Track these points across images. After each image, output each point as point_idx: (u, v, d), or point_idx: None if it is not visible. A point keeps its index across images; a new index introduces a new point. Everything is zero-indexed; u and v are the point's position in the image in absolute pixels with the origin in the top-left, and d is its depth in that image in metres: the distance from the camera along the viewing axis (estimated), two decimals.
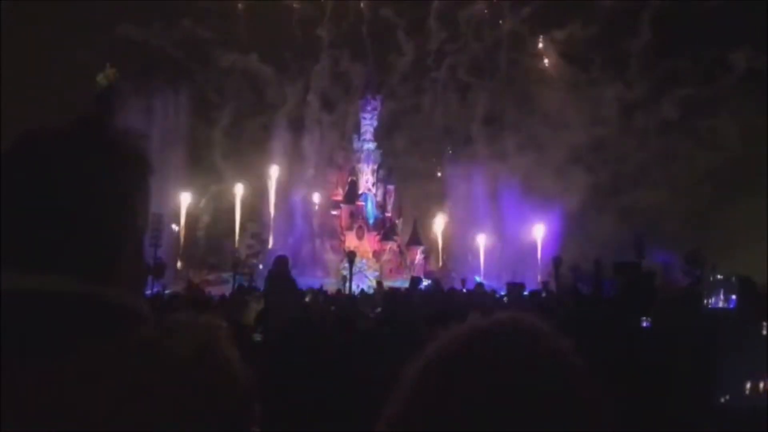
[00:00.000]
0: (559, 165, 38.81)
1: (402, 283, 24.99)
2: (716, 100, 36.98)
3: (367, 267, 38.14)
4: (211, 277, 35.17)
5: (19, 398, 0.77)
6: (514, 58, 42.12)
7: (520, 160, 39.68)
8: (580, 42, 39.57)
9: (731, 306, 12.71)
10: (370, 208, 41.21)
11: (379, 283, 19.10)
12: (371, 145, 42.15)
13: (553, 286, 22.30)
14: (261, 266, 31.48)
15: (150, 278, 19.87)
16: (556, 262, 25.44)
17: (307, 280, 29.69)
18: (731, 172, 34.89)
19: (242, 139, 41.74)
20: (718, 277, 26.24)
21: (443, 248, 42.17)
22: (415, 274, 26.39)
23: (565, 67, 40.15)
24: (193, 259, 38.74)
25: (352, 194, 41.06)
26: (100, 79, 38.79)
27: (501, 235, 40.34)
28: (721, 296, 17.36)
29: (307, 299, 12.59)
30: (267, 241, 39.34)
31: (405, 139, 42.55)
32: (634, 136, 39.20)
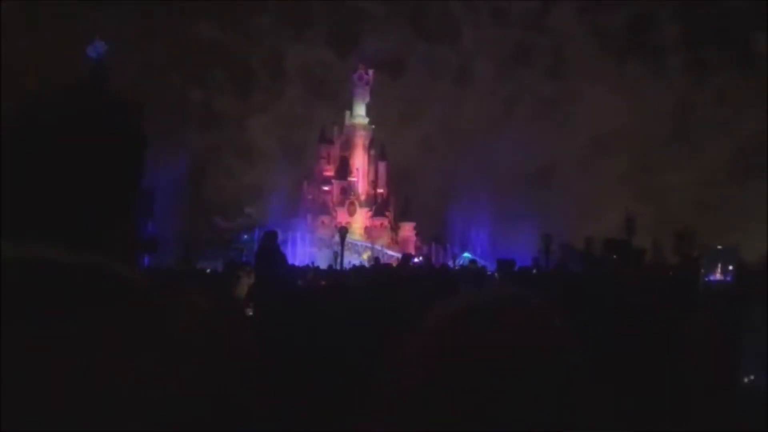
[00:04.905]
0: (577, 149, 38.91)
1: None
2: (742, 88, 37.02)
3: (359, 243, 38.24)
4: (204, 252, 35.22)
5: (18, 366, 0.77)
6: (547, 43, 41.84)
7: (538, 141, 39.64)
8: (608, 28, 39.32)
9: (728, 279, 12.62)
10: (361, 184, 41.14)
11: (377, 259, 19.04)
12: (364, 120, 41.81)
13: (543, 262, 22.52)
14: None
15: (143, 254, 19.82)
16: (547, 239, 25.70)
17: (298, 255, 29.68)
18: (750, 157, 35.02)
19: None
20: (718, 247, 26.21)
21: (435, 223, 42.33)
22: (406, 250, 26.50)
23: (581, 51, 39.93)
24: (188, 236, 38.81)
25: (344, 170, 40.93)
26: (90, 52, 38.36)
27: (497, 213, 40.52)
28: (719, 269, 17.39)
29: (309, 276, 12.66)
30: (259, 217, 39.39)
31: (400, 113, 42.43)
32: (655, 121, 39.25)
